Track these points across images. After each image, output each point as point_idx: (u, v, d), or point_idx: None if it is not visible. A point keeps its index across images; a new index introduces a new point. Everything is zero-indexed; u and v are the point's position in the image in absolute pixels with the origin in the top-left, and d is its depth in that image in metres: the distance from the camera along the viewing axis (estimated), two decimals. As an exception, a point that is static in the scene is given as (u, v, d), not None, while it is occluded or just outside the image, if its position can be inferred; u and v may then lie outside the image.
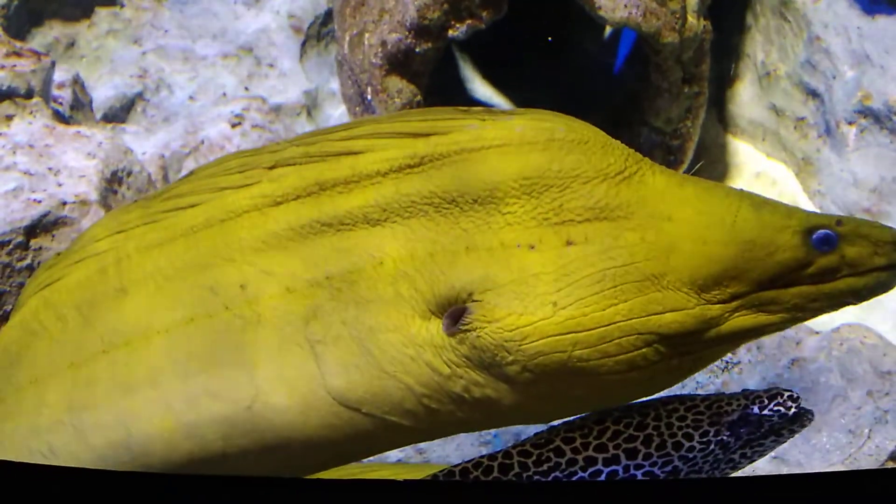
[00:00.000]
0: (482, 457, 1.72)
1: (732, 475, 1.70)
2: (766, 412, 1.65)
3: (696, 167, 3.13)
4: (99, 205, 2.45)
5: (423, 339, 1.60)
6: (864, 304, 1.64)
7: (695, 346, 1.58)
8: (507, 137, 1.60)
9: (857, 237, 1.60)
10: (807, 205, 3.19)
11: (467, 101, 3.37)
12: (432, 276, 1.59)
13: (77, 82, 2.85)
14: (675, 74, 2.98)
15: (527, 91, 3.37)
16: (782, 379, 2.41)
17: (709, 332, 1.58)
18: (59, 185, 2.46)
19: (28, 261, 2.41)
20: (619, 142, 1.64)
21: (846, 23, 3.10)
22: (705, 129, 3.19)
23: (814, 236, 1.59)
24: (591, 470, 1.65)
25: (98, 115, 3.12)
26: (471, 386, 1.59)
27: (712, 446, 1.66)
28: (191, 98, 3.30)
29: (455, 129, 1.62)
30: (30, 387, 1.81)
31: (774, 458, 2.30)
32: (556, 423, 1.73)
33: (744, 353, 2.45)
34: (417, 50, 2.87)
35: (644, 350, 1.55)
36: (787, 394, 1.66)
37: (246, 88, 3.33)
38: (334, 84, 3.38)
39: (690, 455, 1.66)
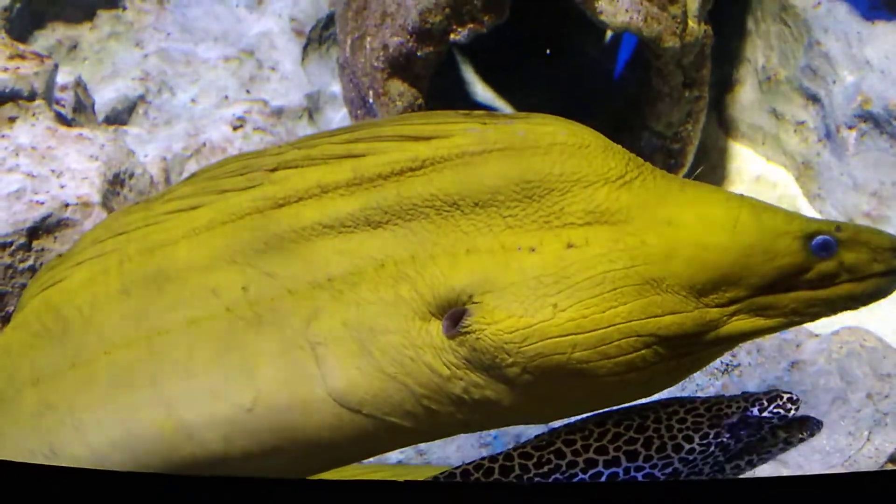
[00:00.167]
0: (483, 458, 1.73)
1: (730, 477, 1.70)
2: (765, 414, 1.66)
3: (698, 171, 3.14)
4: (101, 207, 2.46)
5: (423, 340, 1.60)
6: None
7: (693, 348, 1.59)
8: (508, 141, 1.61)
9: (857, 243, 1.60)
10: (807, 209, 3.19)
11: (469, 104, 3.38)
12: (433, 278, 1.59)
13: (79, 84, 2.85)
14: (676, 79, 2.99)
15: (528, 95, 3.38)
16: (782, 381, 2.41)
17: (707, 335, 1.58)
18: (62, 186, 2.46)
19: (30, 262, 2.41)
20: (620, 146, 1.64)
21: (846, 28, 3.10)
22: (706, 133, 3.20)
23: (813, 242, 1.59)
24: (591, 472, 1.66)
25: (100, 118, 3.12)
26: (470, 387, 1.60)
27: (712, 448, 1.66)
28: (192, 101, 3.31)
29: (457, 132, 1.63)
30: (31, 387, 1.81)
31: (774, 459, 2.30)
32: (556, 424, 1.74)
33: (744, 355, 2.46)
34: (419, 53, 2.87)
35: (643, 352, 1.56)
36: (786, 396, 1.67)
37: (247, 91, 3.33)
38: (336, 87, 3.39)
39: (691, 457, 1.66)
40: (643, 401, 1.68)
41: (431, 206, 1.62)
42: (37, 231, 2.43)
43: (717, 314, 1.58)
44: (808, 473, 2.29)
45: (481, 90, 3.46)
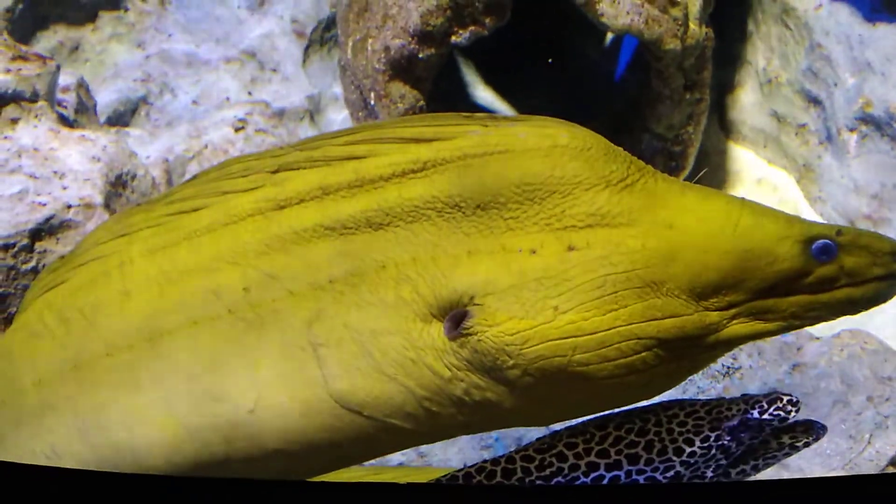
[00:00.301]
0: (485, 461, 1.73)
1: (733, 480, 1.71)
2: (765, 416, 1.66)
3: (700, 174, 3.14)
4: (103, 208, 2.46)
5: (425, 342, 1.60)
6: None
7: (693, 350, 1.59)
8: (510, 143, 1.61)
9: (857, 248, 1.60)
10: (808, 211, 3.19)
11: (470, 107, 3.38)
12: (434, 280, 1.60)
13: (81, 86, 2.86)
14: (677, 81, 2.99)
15: (529, 97, 3.38)
16: (783, 384, 2.41)
17: (707, 338, 1.59)
18: (64, 188, 2.47)
19: (33, 263, 2.42)
20: (621, 149, 1.65)
21: (847, 30, 3.10)
22: (707, 136, 3.20)
23: (813, 246, 1.59)
24: (593, 475, 1.66)
25: (102, 119, 3.12)
26: (471, 389, 1.60)
27: (713, 451, 1.66)
28: (194, 102, 3.31)
29: (458, 134, 1.63)
30: (33, 389, 1.82)
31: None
32: (557, 427, 1.74)
33: (745, 358, 2.46)
34: (421, 56, 2.88)
35: (643, 354, 1.56)
36: (786, 398, 1.67)
37: (249, 93, 3.34)
38: (337, 89, 3.39)
39: (692, 460, 1.66)
40: (644, 403, 1.69)
41: (433, 208, 1.62)
42: (39, 232, 2.43)
43: (717, 317, 1.58)
44: (808, 476, 2.29)
45: (482, 92, 3.47)
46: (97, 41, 3.37)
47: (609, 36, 3.46)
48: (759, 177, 3.32)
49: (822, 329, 2.08)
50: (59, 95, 2.74)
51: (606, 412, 1.70)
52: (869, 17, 3.10)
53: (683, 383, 2.36)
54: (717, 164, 3.34)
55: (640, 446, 1.66)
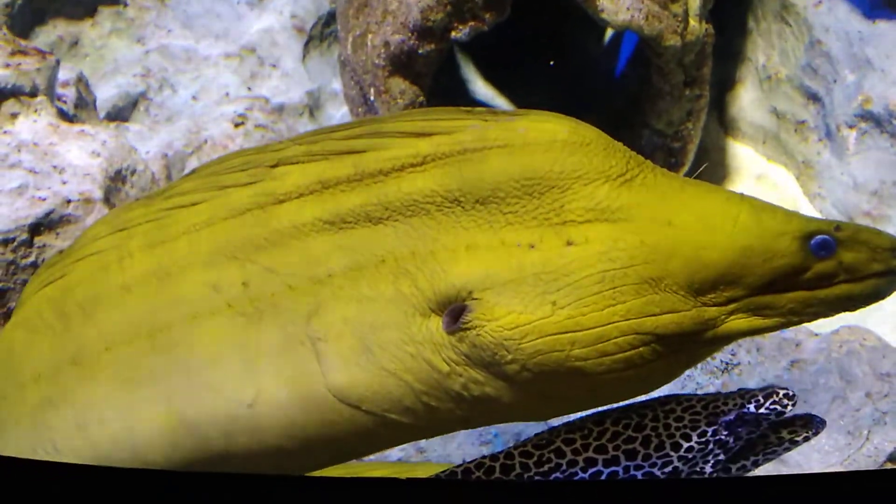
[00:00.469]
0: (484, 457, 1.73)
1: (732, 475, 1.71)
2: (762, 410, 1.66)
3: (700, 170, 3.14)
4: (103, 203, 2.46)
5: (423, 336, 1.60)
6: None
7: (690, 345, 1.59)
8: (509, 138, 1.61)
9: (856, 243, 1.60)
10: (807, 208, 3.19)
11: (469, 102, 3.38)
12: (433, 274, 1.60)
13: (81, 81, 2.85)
14: (677, 77, 2.99)
15: (529, 93, 3.38)
16: (782, 380, 2.42)
17: (705, 334, 1.59)
18: (64, 182, 2.47)
19: (32, 258, 2.42)
20: (621, 144, 1.64)
21: (847, 27, 3.10)
22: (706, 132, 3.20)
23: (812, 241, 1.59)
24: (591, 471, 1.66)
25: (101, 114, 3.12)
26: (470, 384, 1.60)
27: (711, 446, 1.67)
28: (193, 98, 3.31)
29: (458, 129, 1.63)
30: (32, 384, 1.82)
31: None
32: (556, 423, 1.74)
33: (744, 354, 2.46)
34: (420, 51, 2.87)
35: (641, 349, 1.56)
36: (782, 392, 1.67)
37: (249, 88, 3.34)
38: (336, 84, 3.39)
39: (689, 455, 1.66)
40: (642, 398, 1.69)
41: (432, 203, 1.62)
42: (38, 227, 2.43)
43: (716, 313, 1.58)
44: (807, 472, 2.29)
45: (482, 88, 3.46)
46: (96, 36, 3.37)
47: (609, 32, 3.46)
48: (759, 173, 3.32)
49: (820, 325, 2.09)
50: (59, 90, 2.74)
51: (604, 407, 1.70)
52: (868, 14, 3.10)
53: (682, 379, 2.37)
54: (717, 160, 3.34)
55: (638, 442, 1.66)
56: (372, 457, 2.05)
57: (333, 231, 1.65)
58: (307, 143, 1.71)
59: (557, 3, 3.06)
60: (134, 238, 1.78)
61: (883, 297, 1.63)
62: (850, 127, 3.07)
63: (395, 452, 2.36)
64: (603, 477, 1.65)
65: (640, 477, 1.66)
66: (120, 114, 3.26)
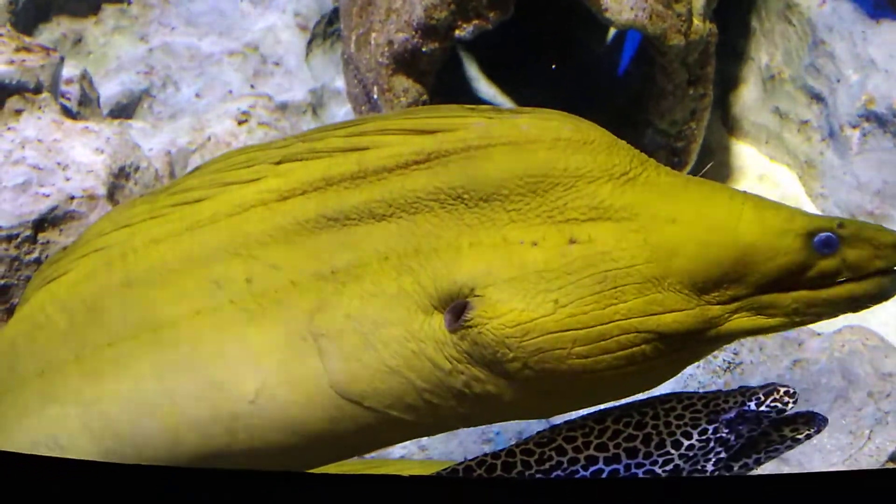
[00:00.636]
0: (485, 454, 1.73)
1: (734, 474, 1.71)
2: (763, 408, 1.66)
3: (704, 169, 3.14)
4: (107, 200, 2.46)
5: (426, 334, 1.60)
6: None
7: (693, 343, 1.59)
8: (513, 135, 1.61)
9: (859, 240, 1.60)
10: (810, 208, 3.19)
11: (473, 100, 3.38)
12: (435, 271, 1.60)
13: (85, 78, 2.86)
14: (681, 76, 2.99)
15: (533, 91, 3.38)
16: (784, 380, 2.41)
17: (708, 332, 1.59)
18: (68, 179, 2.47)
19: (36, 254, 2.42)
20: (624, 142, 1.64)
21: (851, 27, 3.10)
22: (709, 132, 3.20)
23: (815, 239, 1.59)
24: (592, 469, 1.66)
25: (105, 112, 3.13)
26: (471, 381, 1.60)
27: (712, 444, 1.67)
28: (197, 95, 3.31)
29: (462, 126, 1.63)
30: (35, 379, 1.82)
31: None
32: (557, 421, 1.74)
33: (746, 353, 2.46)
34: (424, 49, 2.88)
35: (643, 347, 1.56)
36: (783, 389, 1.67)
37: (252, 86, 3.34)
38: (340, 83, 3.39)
39: (691, 453, 1.66)
40: (642, 396, 1.69)
41: (435, 200, 1.62)
42: (42, 223, 2.43)
43: (719, 311, 1.58)
44: (808, 471, 2.29)
45: (486, 86, 3.47)
46: (100, 34, 3.37)
47: (612, 31, 3.46)
48: (762, 173, 3.31)
49: (823, 325, 2.08)
50: (63, 87, 2.74)
51: (606, 405, 1.70)
52: (872, 14, 3.10)
53: (684, 378, 2.37)
54: (720, 159, 3.34)
55: (639, 440, 1.66)
56: (374, 454, 2.06)
57: (337, 228, 1.66)
58: (311, 141, 1.71)
59: (561, 2, 3.06)
60: (137, 234, 1.78)
61: (887, 298, 1.62)
62: (854, 127, 3.07)
63: (397, 450, 2.37)
64: (604, 475, 1.66)
65: (641, 475, 1.66)
66: (123, 111, 3.27)
